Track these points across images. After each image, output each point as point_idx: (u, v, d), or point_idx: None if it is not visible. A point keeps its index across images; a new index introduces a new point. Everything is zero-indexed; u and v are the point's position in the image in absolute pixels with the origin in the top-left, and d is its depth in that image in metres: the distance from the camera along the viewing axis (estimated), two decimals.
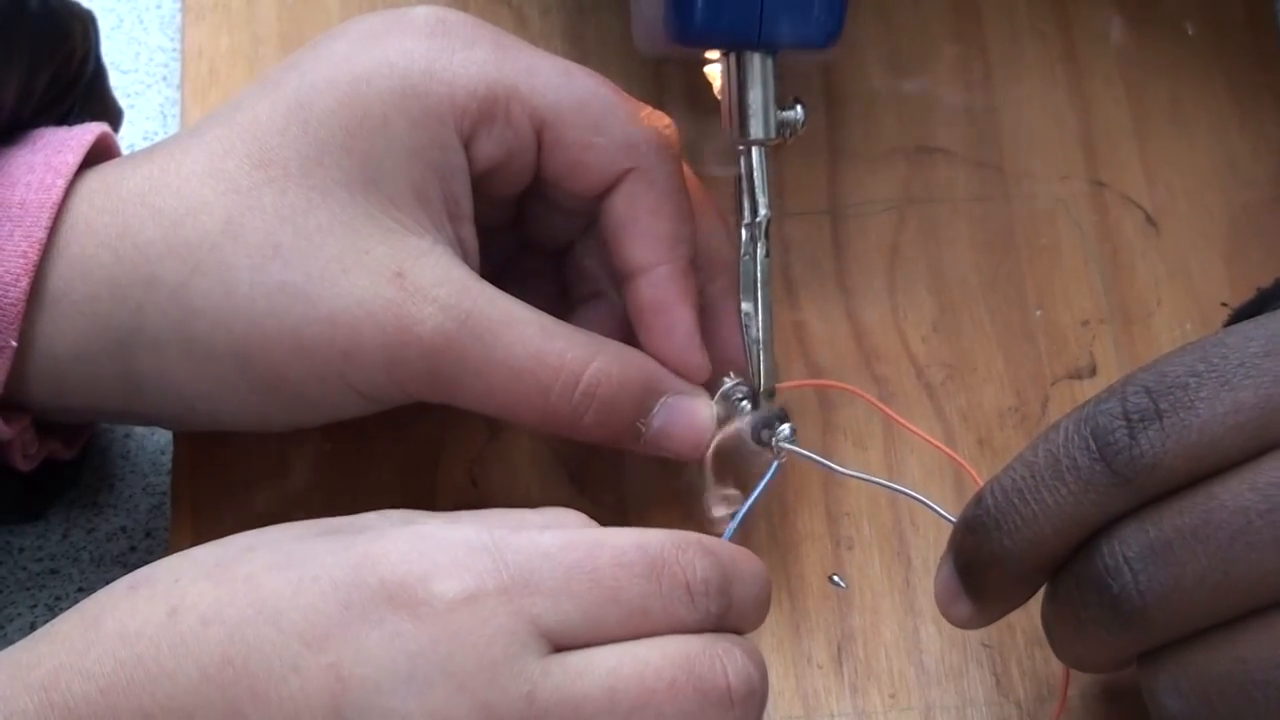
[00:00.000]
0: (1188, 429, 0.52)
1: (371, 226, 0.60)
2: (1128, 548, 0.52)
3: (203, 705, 0.51)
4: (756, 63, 0.63)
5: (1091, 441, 0.53)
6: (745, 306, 0.64)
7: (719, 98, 0.65)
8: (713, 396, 0.63)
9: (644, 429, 0.62)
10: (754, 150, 0.64)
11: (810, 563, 0.66)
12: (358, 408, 0.62)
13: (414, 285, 0.59)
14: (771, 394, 0.63)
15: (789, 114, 0.64)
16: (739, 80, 0.63)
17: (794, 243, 0.72)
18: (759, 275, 0.64)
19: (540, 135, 0.62)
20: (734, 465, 0.64)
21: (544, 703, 0.52)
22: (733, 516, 0.62)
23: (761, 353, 0.63)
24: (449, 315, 0.59)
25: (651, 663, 0.53)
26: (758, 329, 0.63)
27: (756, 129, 0.63)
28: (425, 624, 0.52)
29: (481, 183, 0.63)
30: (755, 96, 0.63)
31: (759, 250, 0.64)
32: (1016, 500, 0.54)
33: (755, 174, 0.64)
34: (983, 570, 0.56)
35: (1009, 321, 0.70)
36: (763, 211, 0.64)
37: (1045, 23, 0.76)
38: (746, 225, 0.64)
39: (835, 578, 0.65)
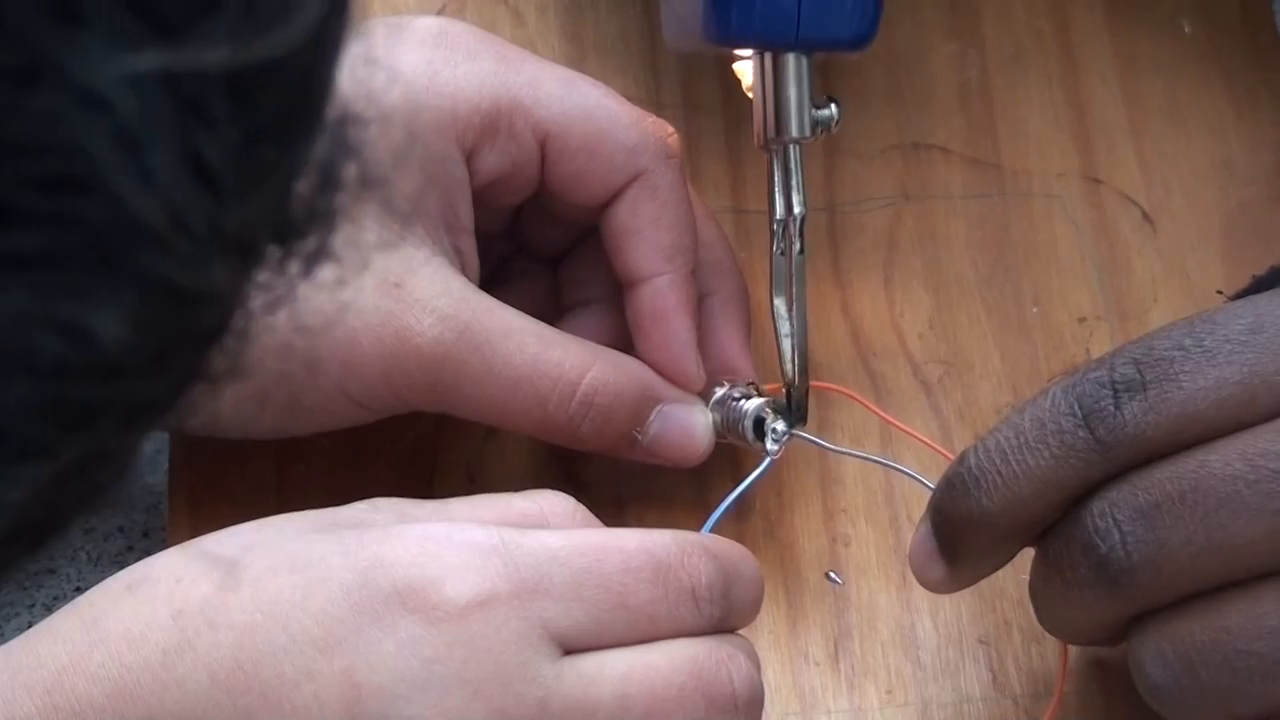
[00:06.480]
0: (1170, 401, 0.53)
1: (369, 237, 0.60)
2: (1118, 509, 0.53)
3: (213, 711, 0.51)
4: (791, 63, 0.63)
5: (1077, 408, 0.54)
6: (777, 303, 0.64)
7: (749, 95, 0.65)
8: (707, 404, 0.64)
9: (640, 437, 0.62)
10: (790, 149, 0.64)
11: (807, 559, 0.66)
12: (355, 417, 0.62)
13: (412, 296, 0.59)
14: (805, 392, 0.64)
15: (823, 113, 0.64)
16: (775, 80, 0.63)
17: None
18: (794, 272, 0.64)
19: (544, 147, 0.62)
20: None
21: (557, 709, 0.52)
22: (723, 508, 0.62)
23: (796, 350, 0.64)
24: (447, 326, 0.59)
25: (661, 670, 0.53)
26: (791, 325, 0.64)
27: (794, 128, 0.63)
28: (439, 629, 0.51)
29: (484, 194, 0.63)
30: (791, 96, 0.63)
31: (794, 248, 0.64)
32: (998, 460, 0.55)
33: (791, 172, 0.64)
34: (959, 529, 0.56)
35: (1006, 318, 0.70)
36: (797, 209, 0.64)
37: (1042, 20, 0.76)
38: (779, 222, 0.64)
39: (832, 574, 0.65)
